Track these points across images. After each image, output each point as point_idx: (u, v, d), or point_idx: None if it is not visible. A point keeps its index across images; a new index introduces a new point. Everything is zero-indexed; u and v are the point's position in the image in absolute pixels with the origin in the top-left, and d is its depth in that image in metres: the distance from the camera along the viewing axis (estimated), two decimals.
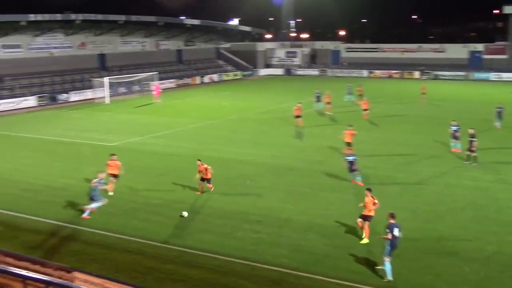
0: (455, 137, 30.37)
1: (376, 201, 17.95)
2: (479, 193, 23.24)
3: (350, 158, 24.11)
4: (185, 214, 20.62)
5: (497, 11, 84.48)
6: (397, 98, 55.49)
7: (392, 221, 15.37)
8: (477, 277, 15.55)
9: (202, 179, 23.17)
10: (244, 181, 25.33)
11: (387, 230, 15.25)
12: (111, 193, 23.02)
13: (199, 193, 23.09)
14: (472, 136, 27.83)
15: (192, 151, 31.49)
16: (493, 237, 18.41)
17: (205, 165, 23.03)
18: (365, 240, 17.97)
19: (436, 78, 77.95)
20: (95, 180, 20.78)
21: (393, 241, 15.21)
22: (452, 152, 30.22)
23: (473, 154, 27.83)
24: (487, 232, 18.91)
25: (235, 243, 18.09)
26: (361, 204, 18.26)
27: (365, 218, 17.99)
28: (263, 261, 16.55)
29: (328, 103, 45.39)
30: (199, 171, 23.06)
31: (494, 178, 25.62)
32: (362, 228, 18.10)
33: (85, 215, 20.58)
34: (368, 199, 17.99)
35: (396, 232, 15.18)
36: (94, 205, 20.70)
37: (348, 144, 28.96)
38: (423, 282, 15.20)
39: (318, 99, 47.25)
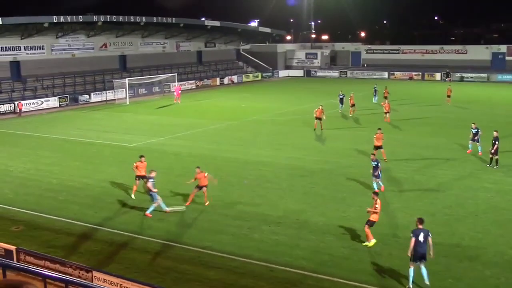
0: (474, 139, 30.21)
1: (377, 205, 17.80)
2: (501, 197, 22.93)
3: (373, 164, 23.47)
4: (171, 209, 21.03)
5: None
6: (418, 100, 55.03)
7: (419, 226, 15.04)
8: (498, 281, 15.36)
9: (199, 187, 21.85)
10: (249, 181, 25.44)
11: (411, 235, 15.01)
12: (133, 196, 23.20)
13: (187, 203, 21.96)
14: (495, 138, 27.52)
15: (211, 152, 31.60)
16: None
17: (205, 173, 22.03)
18: (367, 243, 17.85)
19: (458, 80, 76.83)
20: (150, 181, 21.03)
21: (416, 247, 14.81)
22: (471, 154, 29.99)
23: (495, 157, 27.51)
24: (509, 236, 18.65)
25: (254, 244, 18.09)
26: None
27: (367, 222, 17.92)
28: (281, 263, 16.54)
29: (353, 105, 45.05)
30: (196, 178, 22.00)
31: (502, 180, 25.31)
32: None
33: (148, 212, 20.89)
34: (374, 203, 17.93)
35: (421, 237, 14.78)
36: (155, 205, 20.94)
37: (378, 147, 28.23)
38: (444, 286, 15.06)
39: (342, 101, 46.89)
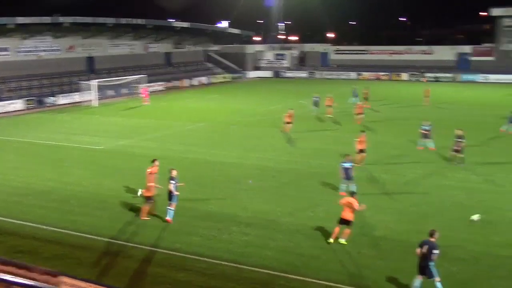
0: (426, 136, 31.45)
1: (342, 201, 18.28)
2: (465, 194, 23.41)
3: (347, 165, 23.14)
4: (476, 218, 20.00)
5: (485, 13, 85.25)
6: (389, 100, 55.74)
7: (429, 238, 14.61)
8: (465, 277, 15.66)
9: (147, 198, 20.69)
10: (216, 183, 25.41)
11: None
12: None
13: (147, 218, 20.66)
14: (460, 137, 28.14)
15: (180, 153, 31.47)
16: (480, 238, 18.59)
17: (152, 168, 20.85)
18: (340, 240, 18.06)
19: (433, 80, 78.00)
20: (172, 182, 20.01)
21: (419, 258, 14.57)
22: (435, 152, 30.58)
23: (460, 155, 28.11)
24: (474, 232, 19.06)
25: (223, 245, 18.06)
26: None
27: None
28: (251, 264, 16.55)
29: (329, 106, 45.05)
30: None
31: (480, 179, 25.85)
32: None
33: (168, 217, 20.10)
34: None
35: (424, 249, 14.40)
36: (173, 208, 20.15)
37: (361, 151, 27.88)
38: (411, 283, 15.24)
39: (317, 103, 46.81)
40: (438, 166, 28.32)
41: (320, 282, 15.39)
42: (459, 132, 28.31)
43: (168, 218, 20.19)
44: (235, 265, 16.49)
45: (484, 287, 15.31)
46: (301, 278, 15.65)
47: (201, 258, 16.94)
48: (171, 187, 20.09)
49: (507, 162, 29.13)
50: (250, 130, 39.84)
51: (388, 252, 17.37)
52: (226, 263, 16.60)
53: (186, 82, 76.62)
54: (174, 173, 20.28)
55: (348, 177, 23.16)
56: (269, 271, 16.07)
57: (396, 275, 15.69)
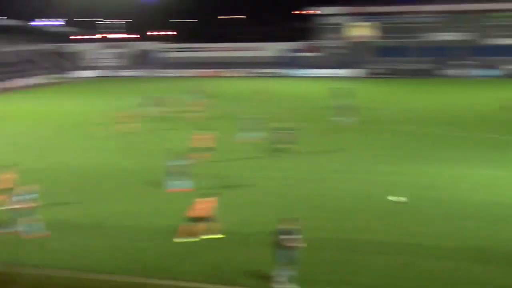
0: (250, 128, 32.87)
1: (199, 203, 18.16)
2: (297, 183, 24.58)
3: (177, 163, 23.25)
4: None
5: (312, 12, 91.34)
6: (223, 97, 56.80)
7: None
8: (312, 266, 15.87)
9: None
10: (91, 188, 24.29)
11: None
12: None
13: None
14: (285, 129, 30.05)
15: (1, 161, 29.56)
16: (331, 224, 19.47)
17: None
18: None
19: (257, 75, 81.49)
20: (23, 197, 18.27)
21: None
22: (263, 144, 31.58)
23: (289, 146, 29.75)
24: (319, 219, 19.77)
25: (58, 255, 17.18)
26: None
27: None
28: (92, 270, 15.97)
29: (166, 105, 44.94)
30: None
31: (311, 168, 27.28)
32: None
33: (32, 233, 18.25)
34: None
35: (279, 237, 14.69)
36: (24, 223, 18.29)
37: (203, 148, 28.00)
38: (265, 273, 15.29)
39: (154, 102, 46.22)
40: (269, 158, 29.54)
41: (172, 282, 15.21)
42: (287, 124, 30.04)
43: (35, 233, 18.55)
44: (75, 273, 15.82)
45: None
46: (152, 281, 15.35)
47: (33, 271, 16.03)
48: (25, 203, 18.47)
49: (335, 150, 31.16)
50: (79, 131, 38.51)
51: (234, 244, 17.68)
52: (63, 272, 15.90)
53: (11, 84, 71.40)
54: (31, 188, 18.87)
55: (179, 174, 23.25)
56: (114, 278, 15.59)
57: (250, 266, 15.97)
